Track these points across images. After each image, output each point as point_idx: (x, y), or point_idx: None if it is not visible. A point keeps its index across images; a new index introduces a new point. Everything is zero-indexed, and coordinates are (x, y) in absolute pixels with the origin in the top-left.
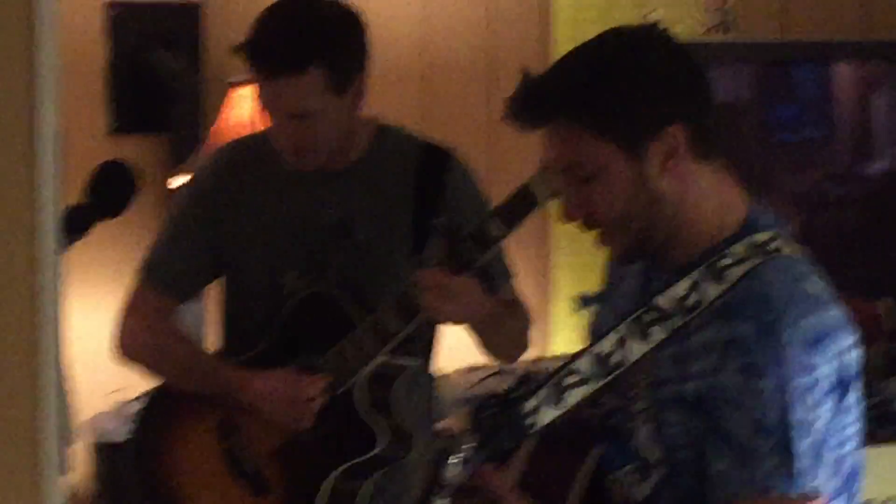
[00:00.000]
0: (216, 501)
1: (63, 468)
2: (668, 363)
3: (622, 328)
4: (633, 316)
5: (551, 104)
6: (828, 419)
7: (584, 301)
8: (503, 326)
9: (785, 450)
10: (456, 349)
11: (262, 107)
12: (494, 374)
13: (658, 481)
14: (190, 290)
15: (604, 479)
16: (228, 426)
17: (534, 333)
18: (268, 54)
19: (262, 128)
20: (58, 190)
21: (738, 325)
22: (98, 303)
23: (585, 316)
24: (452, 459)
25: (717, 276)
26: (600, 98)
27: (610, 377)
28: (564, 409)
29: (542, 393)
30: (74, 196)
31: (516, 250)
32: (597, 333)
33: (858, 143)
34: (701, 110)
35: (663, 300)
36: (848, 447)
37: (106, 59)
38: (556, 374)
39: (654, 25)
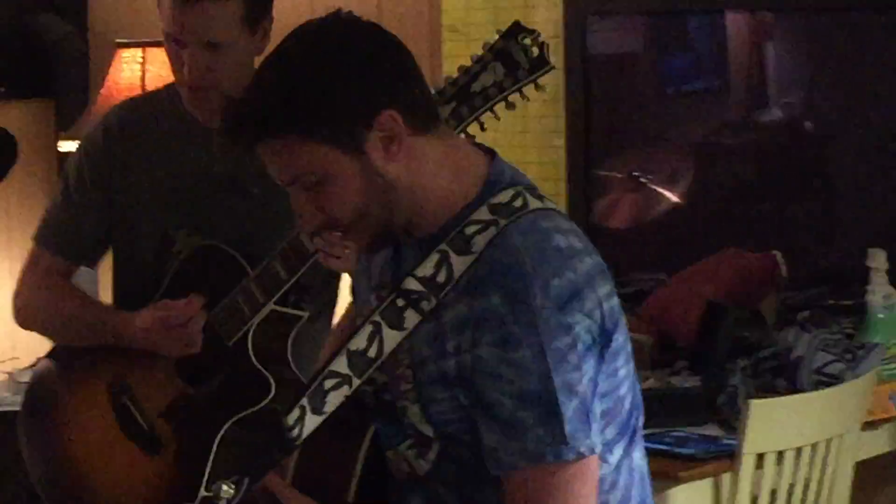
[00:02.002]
0: (112, 463)
1: None
2: (426, 342)
3: (374, 319)
4: (384, 305)
5: (256, 125)
6: (592, 374)
7: None
8: None
9: (552, 416)
10: None
11: (173, 38)
12: None
13: (437, 455)
14: (84, 252)
15: (384, 455)
16: (121, 385)
17: None
18: None
19: (152, 88)
20: None
21: (487, 299)
22: None
23: None
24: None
25: (463, 246)
26: (300, 104)
27: (368, 372)
28: (326, 413)
29: (304, 402)
30: None
31: None
32: (357, 304)
33: (752, 93)
34: (407, 87)
35: (412, 282)
36: (622, 390)
37: None
38: (314, 381)
39: (337, 14)
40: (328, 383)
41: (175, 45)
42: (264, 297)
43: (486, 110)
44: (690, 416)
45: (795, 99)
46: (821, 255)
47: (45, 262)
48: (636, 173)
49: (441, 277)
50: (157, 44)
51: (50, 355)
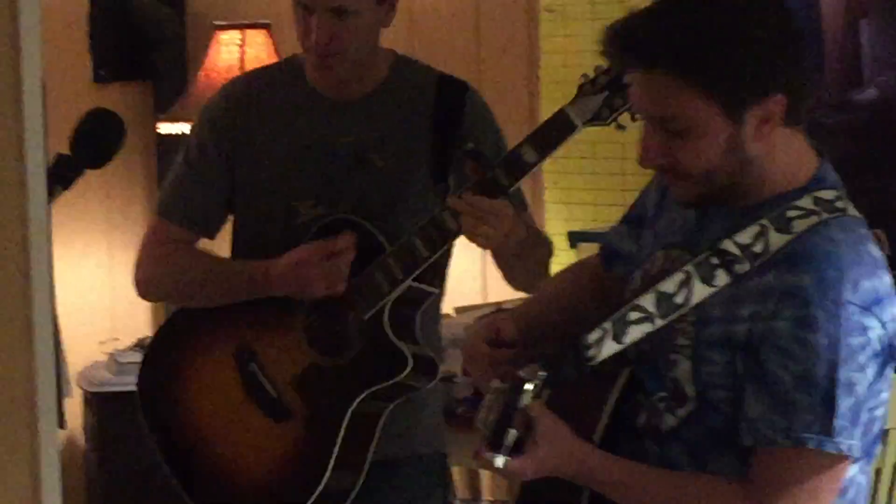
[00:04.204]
0: (237, 428)
1: (60, 422)
2: (719, 303)
3: (688, 269)
4: (699, 258)
5: (666, 51)
6: (870, 382)
7: (576, 237)
8: (531, 254)
9: (827, 406)
10: (449, 290)
11: (302, 4)
12: (490, 314)
13: (687, 414)
14: (207, 222)
15: (632, 399)
16: (247, 353)
17: None
18: None
19: (250, 70)
20: (45, 141)
21: (799, 276)
22: (85, 253)
23: (577, 253)
24: (527, 387)
25: (784, 226)
26: (716, 56)
27: (671, 317)
28: (625, 345)
29: (607, 326)
30: (60, 146)
31: None
32: (629, 256)
33: (847, 72)
34: (801, 81)
35: (730, 245)
36: (878, 412)
37: (88, 6)
38: (622, 308)
39: None
40: (633, 315)
41: (303, 10)
42: (403, 274)
43: None
44: None
45: (891, 77)
46: None
47: (169, 232)
48: None
49: (757, 248)
50: (255, 26)
51: (169, 323)
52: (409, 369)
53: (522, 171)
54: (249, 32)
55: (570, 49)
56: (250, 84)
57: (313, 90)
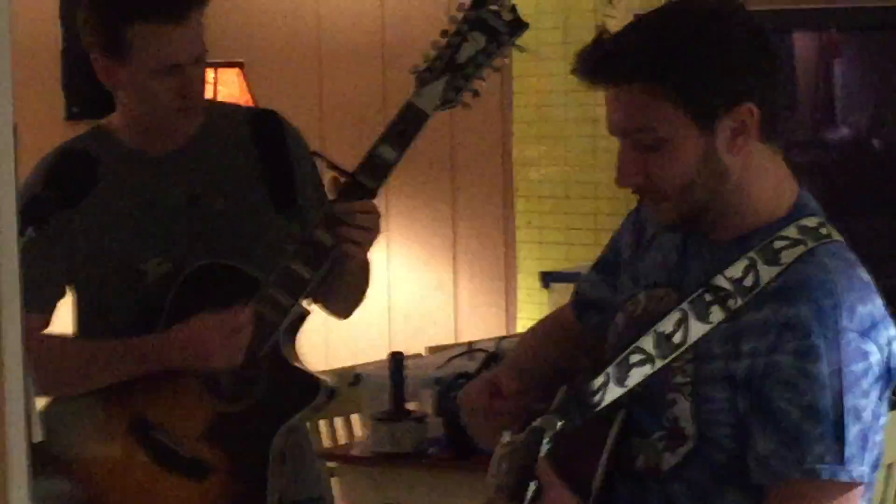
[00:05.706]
0: (159, 500)
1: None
2: (717, 341)
3: (684, 307)
4: (693, 296)
5: (634, 63)
6: (874, 407)
7: (549, 278)
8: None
9: (836, 435)
10: (421, 330)
11: (157, 62)
12: (462, 353)
13: (687, 452)
14: (49, 303)
15: (628, 442)
16: (142, 423)
17: (498, 312)
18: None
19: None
20: (16, 180)
21: (796, 308)
22: None
23: (550, 293)
24: (546, 437)
25: (772, 257)
26: (684, 64)
27: (671, 357)
28: (627, 388)
29: (610, 371)
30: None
31: (481, 229)
32: (603, 303)
33: (820, 111)
34: (775, 91)
35: (721, 280)
36: (878, 437)
37: (61, 44)
38: (620, 353)
39: (733, 1)
40: (633, 358)
41: (172, 71)
42: (290, 300)
43: (478, 77)
44: None
45: (863, 117)
46: (891, 272)
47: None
48: None
49: (748, 282)
50: (228, 65)
51: (49, 410)
52: (321, 392)
53: (386, 170)
54: (222, 71)
55: (542, 89)
56: (68, 157)
57: (130, 151)
